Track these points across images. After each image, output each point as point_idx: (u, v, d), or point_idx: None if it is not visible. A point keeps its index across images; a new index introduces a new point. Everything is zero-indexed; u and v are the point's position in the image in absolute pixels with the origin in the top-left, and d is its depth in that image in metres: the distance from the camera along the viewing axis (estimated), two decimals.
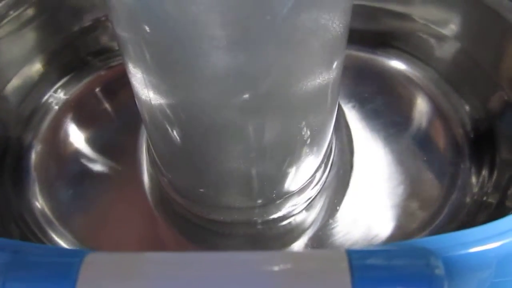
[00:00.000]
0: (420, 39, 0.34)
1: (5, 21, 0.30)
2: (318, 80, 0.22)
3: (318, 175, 0.29)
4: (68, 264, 0.16)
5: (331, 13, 0.19)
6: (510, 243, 0.18)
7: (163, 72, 0.20)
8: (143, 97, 0.22)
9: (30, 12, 0.31)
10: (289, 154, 0.25)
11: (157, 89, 0.21)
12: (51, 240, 0.28)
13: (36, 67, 0.33)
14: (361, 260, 0.16)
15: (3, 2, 0.30)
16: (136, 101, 0.24)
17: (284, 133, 0.23)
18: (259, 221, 0.28)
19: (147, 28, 0.18)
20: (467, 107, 0.32)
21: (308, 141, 0.25)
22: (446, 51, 0.33)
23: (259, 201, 0.27)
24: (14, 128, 0.32)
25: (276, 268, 0.16)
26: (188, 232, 0.29)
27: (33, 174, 0.31)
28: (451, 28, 0.32)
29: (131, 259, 0.17)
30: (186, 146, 0.24)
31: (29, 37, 0.32)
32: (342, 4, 0.20)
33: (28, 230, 0.28)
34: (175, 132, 0.23)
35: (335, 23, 0.20)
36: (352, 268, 0.16)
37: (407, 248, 0.17)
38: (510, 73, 0.29)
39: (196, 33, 0.17)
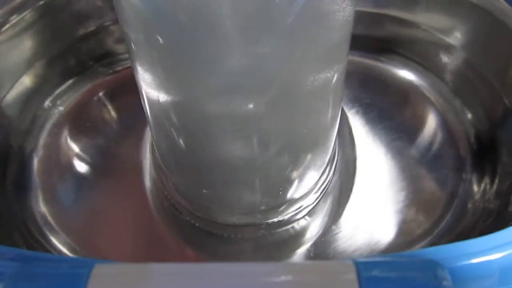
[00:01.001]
0: (424, 46, 0.34)
1: (7, 26, 0.30)
2: (321, 85, 0.22)
3: (321, 180, 0.29)
4: (76, 276, 0.16)
5: (336, 13, 0.19)
6: None
7: (173, 74, 0.20)
8: (150, 97, 0.22)
9: (32, 16, 0.31)
10: (292, 159, 0.25)
11: (165, 90, 0.21)
12: (54, 247, 0.28)
13: (38, 73, 0.33)
14: (368, 272, 0.16)
15: (6, 7, 0.30)
16: (142, 102, 0.24)
17: (287, 138, 0.23)
18: (263, 225, 0.28)
19: (159, 33, 0.18)
20: (470, 115, 0.32)
21: (312, 146, 0.25)
22: (450, 59, 0.33)
23: (262, 207, 0.27)
24: (15, 135, 0.32)
25: (282, 280, 0.16)
26: (191, 236, 0.29)
27: (36, 181, 0.31)
28: (456, 36, 0.32)
29: (139, 271, 0.17)
30: (191, 148, 0.24)
31: (31, 42, 0.32)
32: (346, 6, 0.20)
33: (31, 237, 0.28)
34: (180, 134, 0.23)
35: (339, 23, 0.20)
36: (360, 280, 0.16)
37: (414, 259, 0.18)
38: None
39: (207, 40, 0.18)
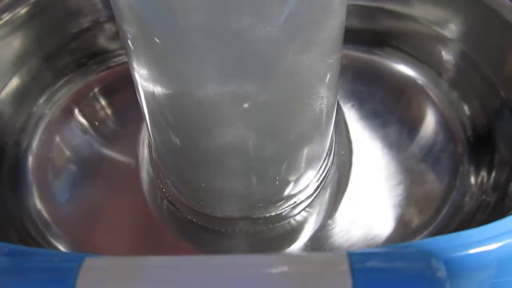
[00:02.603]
0: (420, 39, 0.34)
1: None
2: (316, 77, 0.22)
3: (318, 174, 0.28)
4: (66, 270, 0.16)
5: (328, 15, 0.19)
6: (511, 243, 0.18)
7: (168, 68, 0.20)
8: (146, 92, 0.22)
9: (24, 14, 0.31)
10: (288, 154, 0.25)
11: (161, 84, 0.21)
12: (50, 244, 0.28)
13: (32, 70, 0.33)
14: (362, 263, 0.16)
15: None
16: (138, 97, 0.24)
17: (283, 132, 0.23)
18: (260, 219, 0.28)
19: (153, 29, 0.19)
20: (466, 107, 0.32)
21: (308, 140, 0.25)
22: (446, 51, 0.33)
23: (260, 204, 0.27)
24: (10, 132, 0.32)
25: (276, 272, 0.16)
26: (188, 232, 0.29)
27: (31, 178, 0.31)
28: (451, 28, 0.32)
29: (129, 264, 0.17)
30: (187, 142, 0.24)
31: (24, 39, 0.32)
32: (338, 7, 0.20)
33: (26, 234, 0.28)
34: (176, 128, 0.23)
35: (332, 22, 0.20)
36: (353, 271, 0.16)
37: (408, 250, 0.17)
38: (509, 74, 0.29)
39: (200, 34, 0.18)
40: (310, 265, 0.17)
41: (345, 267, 0.16)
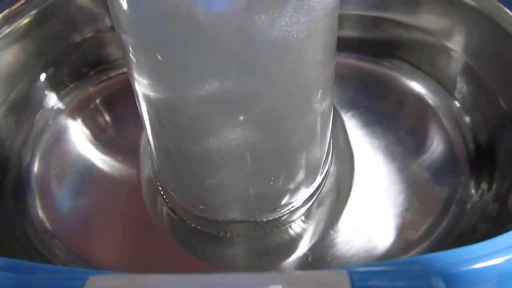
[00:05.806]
0: (423, 50, 0.34)
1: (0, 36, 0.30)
2: (311, 84, 0.22)
3: (315, 181, 0.28)
4: None
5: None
6: None
7: (167, 78, 0.20)
8: (146, 102, 0.23)
9: (25, 26, 0.31)
10: (284, 164, 0.25)
11: (161, 93, 0.21)
12: (53, 253, 0.28)
13: (32, 82, 0.33)
14: (363, 282, 0.16)
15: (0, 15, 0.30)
16: (138, 106, 0.24)
17: (278, 140, 0.24)
18: (259, 224, 0.28)
19: (152, 40, 0.19)
20: (468, 119, 0.32)
21: (303, 148, 0.25)
22: (449, 62, 0.33)
23: (258, 208, 0.27)
24: (12, 144, 0.32)
25: None
26: (187, 237, 0.29)
27: (34, 189, 0.31)
28: (455, 39, 0.32)
29: (133, 283, 0.17)
30: (186, 151, 0.24)
31: (25, 51, 0.32)
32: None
33: (30, 245, 0.28)
34: (176, 136, 0.24)
35: (325, 33, 0.20)
36: None
37: (409, 267, 0.17)
38: (511, 87, 0.29)
39: (197, 45, 0.18)
40: (310, 283, 0.17)
41: (346, 285, 0.16)
